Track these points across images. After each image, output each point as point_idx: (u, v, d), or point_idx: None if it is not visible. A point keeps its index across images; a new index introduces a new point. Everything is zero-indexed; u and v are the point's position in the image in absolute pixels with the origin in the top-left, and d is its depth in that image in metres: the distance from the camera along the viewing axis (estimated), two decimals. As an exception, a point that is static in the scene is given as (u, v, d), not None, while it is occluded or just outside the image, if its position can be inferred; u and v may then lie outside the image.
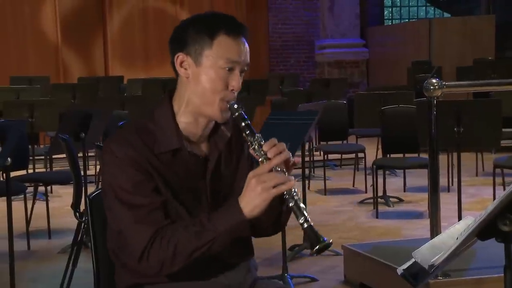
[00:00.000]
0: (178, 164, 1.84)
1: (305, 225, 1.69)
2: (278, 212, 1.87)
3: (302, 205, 1.72)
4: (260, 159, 1.75)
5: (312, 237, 1.69)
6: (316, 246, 1.67)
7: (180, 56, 1.84)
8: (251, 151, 1.77)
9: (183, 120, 1.87)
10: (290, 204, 1.71)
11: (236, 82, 1.82)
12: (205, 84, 1.82)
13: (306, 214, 1.70)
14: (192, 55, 1.83)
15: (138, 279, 1.86)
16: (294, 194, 1.72)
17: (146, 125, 1.85)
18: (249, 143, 1.78)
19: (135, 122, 1.90)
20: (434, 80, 3.45)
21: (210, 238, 1.75)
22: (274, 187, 1.71)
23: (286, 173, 1.74)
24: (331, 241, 1.69)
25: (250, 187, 1.73)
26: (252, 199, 1.72)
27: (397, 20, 14.56)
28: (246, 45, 1.85)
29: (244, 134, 1.79)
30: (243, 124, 1.79)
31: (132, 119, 1.99)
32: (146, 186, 1.79)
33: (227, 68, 1.81)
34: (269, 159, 1.73)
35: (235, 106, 1.81)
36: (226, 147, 1.92)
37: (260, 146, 1.75)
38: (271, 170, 1.72)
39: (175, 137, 1.84)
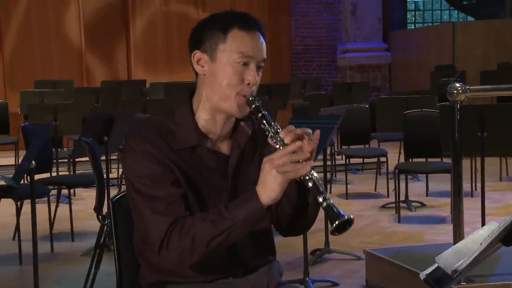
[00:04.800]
0: (197, 161, 1.84)
1: (324, 204, 1.65)
2: (302, 201, 1.84)
3: (320, 184, 1.68)
4: (277, 146, 1.72)
5: (331, 214, 1.64)
6: (335, 222, 1.62)
7: (197, 54, 1.84)
8: (269, 140, 1.75)
9: (202, 117, 1.87)
10: (309, 185, 1.67)
11: (251, 76, 1.81)
12: (221, 79, 1.81)
13: (325, 192, 1.66)
14: (208, 51, 1.83)
15: (161, 277, 1.86)
16: (312, 174, 1.68)
17: (166, 123, 1.85)
18: (266, 132, 1.76)
19: (154, 120, 1.89)
20: (457, 84, 3.43)
21: (228, 226, 1.73)
22: (290, 171, 1.67)
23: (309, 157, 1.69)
24: (352, 216, 1.64)
25: (265, 171, 1.71)
26: (268, 183, 1.70)
27: (420, 24, 14.47)
28: (262, 40, 1.84)
29: (261, 125, 1.77)
30: (259, 115, 1.77)
31: (151, 116, 1.96)
32: (165, 178, 1.79)
33: (242, 63, 1.80)
34: (287, 144, 1.70)
35: (251, 99, 1.80)
36: (249, 145, 1.91)
37: (277, 133, 1.73)
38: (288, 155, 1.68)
39: (193, 134, 1.84)
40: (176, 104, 1.91)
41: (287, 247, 4.46)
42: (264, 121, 1.76)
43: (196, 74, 1.88)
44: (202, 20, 1.88)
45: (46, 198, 5.22)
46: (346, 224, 1.63)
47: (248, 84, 1.81)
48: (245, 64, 1.81)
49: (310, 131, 1.74)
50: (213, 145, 1.88)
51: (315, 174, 1.69)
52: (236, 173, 1.88)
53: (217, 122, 1.87)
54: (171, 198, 1.78)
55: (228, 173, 1.87)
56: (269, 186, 1.70)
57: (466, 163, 4.92)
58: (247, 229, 1.75)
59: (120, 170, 7.10)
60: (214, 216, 1.75)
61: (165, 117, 1.88)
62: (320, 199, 1.66)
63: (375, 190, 7.18)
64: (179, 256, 1.75)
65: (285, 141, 1.70)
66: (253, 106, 1.79)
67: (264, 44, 1.84)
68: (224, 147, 1.90)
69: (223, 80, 1.81)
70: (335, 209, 1.64)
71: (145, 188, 1.79)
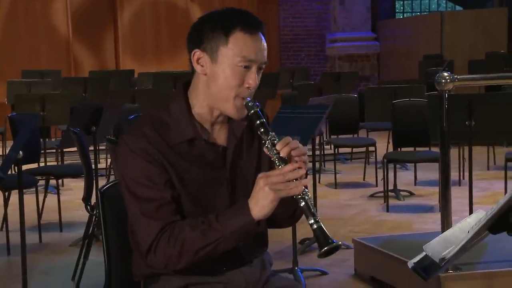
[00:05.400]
0: (195, 154, 1.83)
1: (315, 226, 1.68)
2: (296, 206, 1.85)
3: (312, 205, 1.70)
4: (272, 158, 1.73)
5: (321, 238, 1.67)
6: (324, 248, 1.65)
7: (197, 53, 1.82)
8: (265, 149, 1.76)
9: (198, 112, 1.85)
10: (301, 204, 1.70)
11: (252, 80, 1.79)
12: (221, 81, 1.79)
13: (316, 214, 1.69)
14: (208, 52, 1.80)
15: (155, 269, 1.85)
16: (305, 194, 1.70)
17: (161, 117, 1.84)
18: (263, 142, 1.76)
19: (150, 114, 1.87)
20: (445, 74, 3.43)
21: (216, 237, 1.74)
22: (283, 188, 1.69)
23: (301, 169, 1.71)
24: (340, 243, 1.67)
25: (258, 187, 1.72)
26: (260, 199, 1.71)
27: (408, 13, 14.49)
28: (264, 41, 1.81)
29: (258, 132, 1.77)
30: (257, 122, 1.77)
31: (147, 111, 1.95)
32: (159, 179, 1.78)
33: (243, 66, 1.78)
34: (282, 158, 1.71)
35: (251, 103, 1.78)
36: (246, 134, 1.91)
37: (273, 145, 1.73)
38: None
39: (190, 127, 1.82)
40: (170, 99, 1.89)
41: (276, 237, 4.47)
42: (262, 129, 1.76)
43: (193, 70, 1.85)
44: (203, 18, 1.84)
45: (34, 189, 5.20)
46: (334, 249, 1.66)
47: (248, 87, 1.80)
48: (246, 67, 1.79)
49: (306, 150, 1.75)
50: (210, 137, 1.87)
51: (309, 194, 1.71)
52: (234, 163, 1.87)
53: (213, 113, 1.86)
54: (163, 200, 1.77)
55: (226, 163, 1.86)
56: (261, 202, 1.72)
57: (454, 152, 4.94)
58: (236, 241, 1.77)
59: (109, 160, 7.08)
60: (205, 225, 1.75)
61: (159, 110, 1.86)
62: (311, 221, 1.68)
63: (364, 179, 7.19)
64: (166, 262, 1.77)
65: (281, 154, 1.72)
66: (252, 111, 1.78)
67: (265, 45, 1.82)
68: (221, 138, 1.88)
69: (223, 82, 1.79)
70: (324, 233, 1.67)
71: (138, 187, 1.78)
